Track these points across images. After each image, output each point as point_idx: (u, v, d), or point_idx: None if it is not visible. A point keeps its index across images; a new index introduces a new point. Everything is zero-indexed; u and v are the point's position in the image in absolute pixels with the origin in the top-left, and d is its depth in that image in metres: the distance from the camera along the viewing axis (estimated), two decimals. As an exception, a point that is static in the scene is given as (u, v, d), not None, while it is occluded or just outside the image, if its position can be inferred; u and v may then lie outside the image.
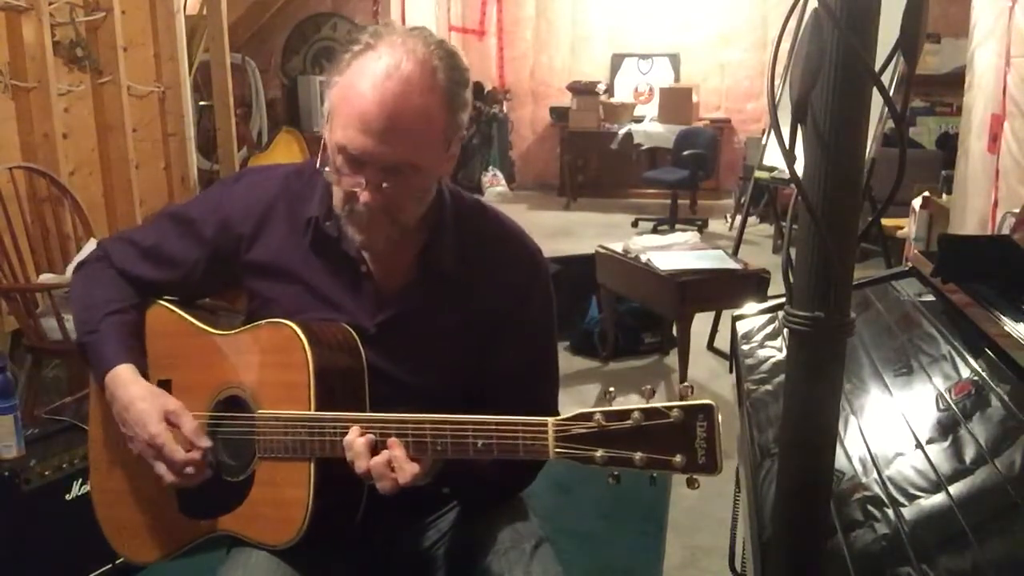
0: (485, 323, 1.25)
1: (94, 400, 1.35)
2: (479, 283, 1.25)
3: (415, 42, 1.11)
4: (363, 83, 1.09)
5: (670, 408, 0.96)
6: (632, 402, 1.00)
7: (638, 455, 0.97)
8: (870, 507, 1.08)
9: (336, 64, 1.14)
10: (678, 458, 0.96)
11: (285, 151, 4.98)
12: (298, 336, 1.16)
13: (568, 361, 3.98)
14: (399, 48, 1.10)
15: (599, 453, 0.98)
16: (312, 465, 1.14)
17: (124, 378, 1.24)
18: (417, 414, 1.09)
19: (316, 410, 1.14)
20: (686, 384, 1.00)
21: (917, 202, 3.79)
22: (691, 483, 0.97)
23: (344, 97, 1.11)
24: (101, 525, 1.35)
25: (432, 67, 1.10)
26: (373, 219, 1.15)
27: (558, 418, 1.02)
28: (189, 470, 1.18)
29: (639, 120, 7.85)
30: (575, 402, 1.13)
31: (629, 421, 0.97)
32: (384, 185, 1.11)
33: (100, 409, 1.33)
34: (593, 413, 0.99)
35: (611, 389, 1.03)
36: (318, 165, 1.17)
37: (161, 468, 1.19)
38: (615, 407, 0.99)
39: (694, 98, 7.73)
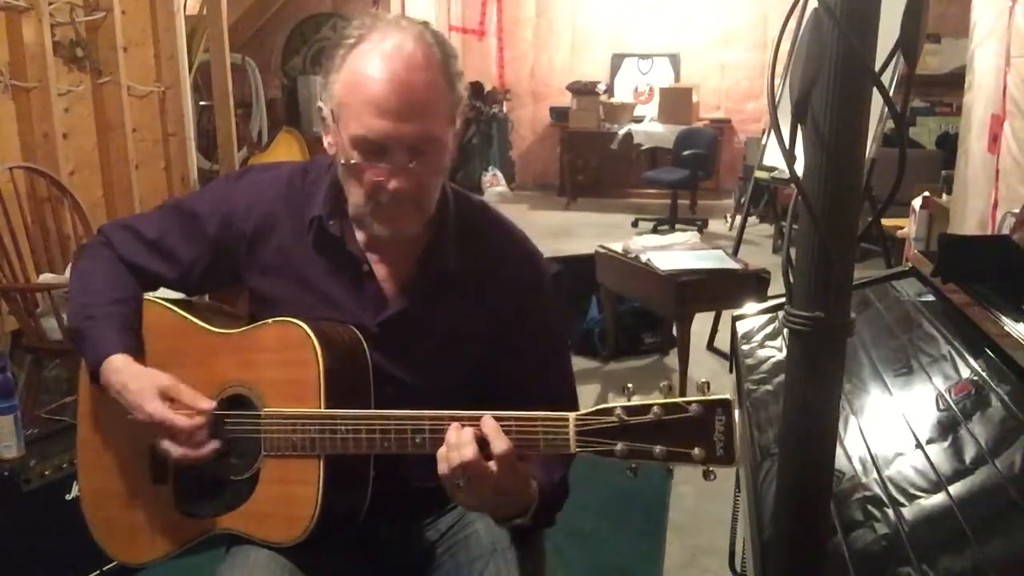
0: (490, 323, 1.25)
1: (83, 398, 1.33)
2: (480, 283, 1.25)
3: (406, 23, 1.14)
4: (369, 70, 1.10)
5: (689, 403, 0.99)
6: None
7: (658, 448, 0.99)
8: (870, 507, 1.08)
9: (330, 63, 1.14)
10: (697, 451, 0.98)
11: (285, 151, 4.97)
12: (308, 334, 1.16)
13: (568, 361, 3.97)
14: (394, 31, 1.12)
15: (619, 446, 1.00)
16: (321, 462, 1.14)
17: (116, 365, 1.22)
18: (435, 410, 1.09)
19: (325, 408, 1.14)
20: (704, 380, 1.02)
21: (917, 202, 3.80)
22: (707, 475, 1.00)
23: (351, 89, 1.11)
24: (91, 528, 1.32)
25: (428, 43, 1.13)
26: (401, 208, 1.15)
27: (579, 412, 1.03)
28: (198, 437, 1.17)
29: (639, 120, 7.84)
30: (575, 402, 1.14)
31: (649, 415, 0.99)
32: (411, 165, 1.12)
33: (90, 407, 1.33)
34: (614, 408, 1.01)
35: (629, 385, 1.04)
36: (341, 164, 1.16)
37: (168, 445, 1.18)
38: (635, 402, 1.01)
39: (694, 98, 7.72)
